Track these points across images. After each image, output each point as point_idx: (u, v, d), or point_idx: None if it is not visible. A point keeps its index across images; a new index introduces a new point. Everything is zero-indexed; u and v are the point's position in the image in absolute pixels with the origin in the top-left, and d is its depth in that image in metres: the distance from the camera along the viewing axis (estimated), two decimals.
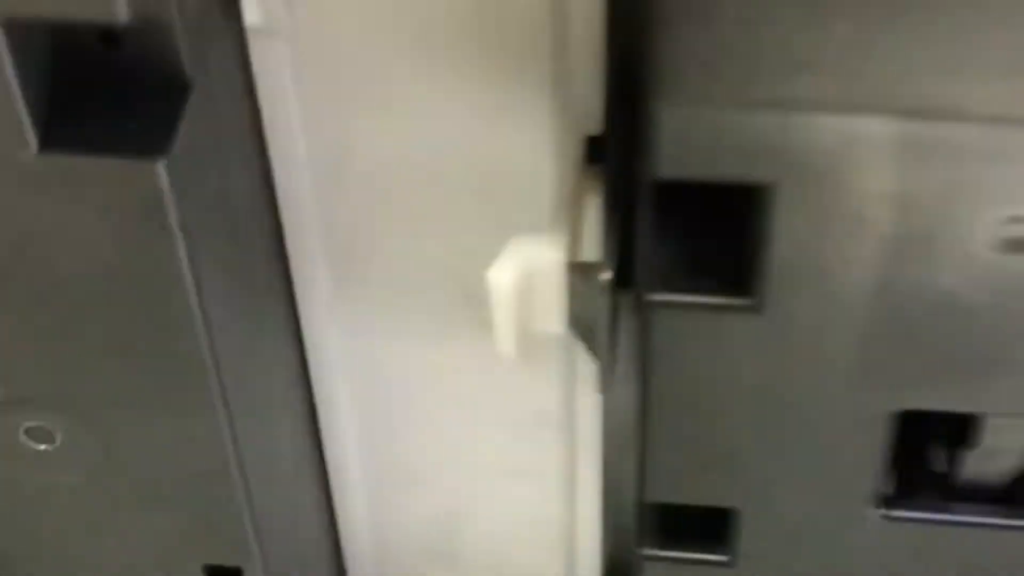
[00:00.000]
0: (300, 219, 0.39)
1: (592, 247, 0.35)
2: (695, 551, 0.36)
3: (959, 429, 0.34)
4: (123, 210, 0.31)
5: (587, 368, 0.43)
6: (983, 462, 0.34)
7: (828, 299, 0.29)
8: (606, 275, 0.33)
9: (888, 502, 0.33)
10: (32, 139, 0.30)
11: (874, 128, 0.26)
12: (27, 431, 0.37)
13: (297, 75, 0.36)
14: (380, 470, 0.46)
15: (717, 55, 0.24)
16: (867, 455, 0.32)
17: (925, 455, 0.34)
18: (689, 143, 0.26)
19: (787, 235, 0.28)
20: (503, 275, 0.34)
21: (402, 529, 0.48)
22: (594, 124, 0.36)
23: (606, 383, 0.35)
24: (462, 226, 0.39)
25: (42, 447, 0.37)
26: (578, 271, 0.34)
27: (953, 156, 0.26)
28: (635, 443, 0.33)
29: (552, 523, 0.48)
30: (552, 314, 0.35)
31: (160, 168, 0.31)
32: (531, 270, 0.34)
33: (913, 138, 0.26)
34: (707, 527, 0.36)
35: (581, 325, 0.35)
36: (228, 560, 0.40)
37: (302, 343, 0.42)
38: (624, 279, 0.34)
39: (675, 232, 0.30)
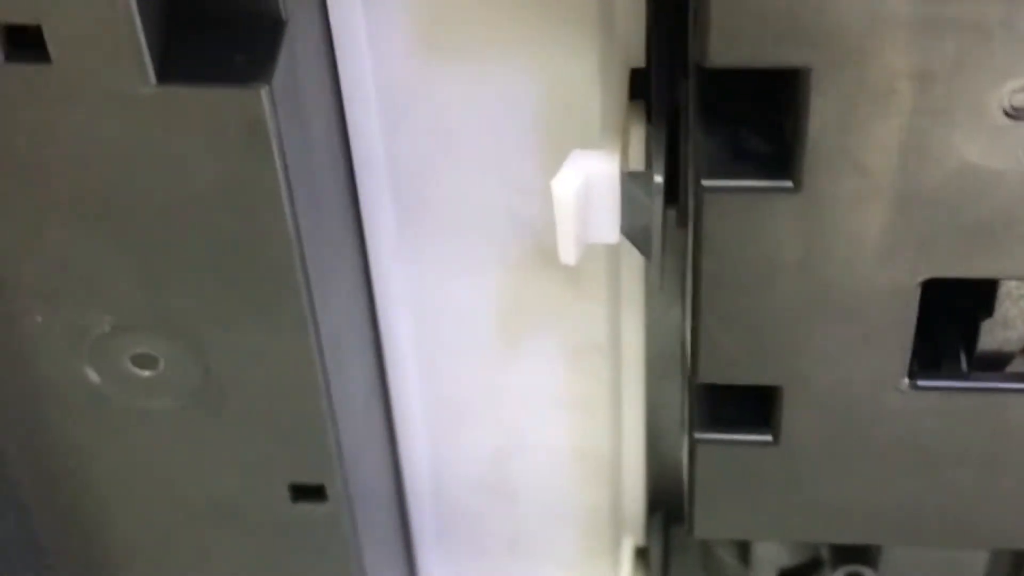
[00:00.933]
0: (368, 155, 0.42)
1: (639, 164, 0.39)
2: (743, 433, 0.39)
3: (978, 302, 0.38)
4: (229, 136, 0.35)
5: (632, 300, 0.47)
6: (1000, 331, 0.38)
7: (860, 176, 0.33)
8: (659, 178, 0.37)
9: (916, 373, 0.37)
10: (151, 73, 0.34)
11: (895, 7, 0.30)
12: (133, 358, 0.41)
13: (368, 16, 0.40)
14: (438, 403, 0.50)
15: None
16: (899, 327, 0.36)
17: (948, 328, 0.38)
18: (734, 31, 0.30)
19: (821, 117, 0.32)
20: (566, 184, 0.38)
21: (458, 461, 0.52)
22: (638, 58, 0.41)
23: (660, 280, 0.38)
24: (517, 161, 0.43)
25: (147, 373, 0.41)
26: (634, 178, 0.38)
27: (967, 31, 0.30)
28: (686, 328, 0.37)
29: (599, 452, 0.51)
30: (608, 222, 0.39)
31: (263, 94, 0.35)
32: (590, 180, 0.38)
33: (930, 15, 0.30)
34: (752, 412, 0.39)
35: (634, 230, 0.39)
36: (312, 478, 0.44)
37: (369, 275, 0.46)
38: (671, 193, 0.38)
39: (721, 125, 0.34)
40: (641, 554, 0.54)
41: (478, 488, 0.53)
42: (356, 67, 0.40)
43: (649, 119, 0.39)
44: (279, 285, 0.38)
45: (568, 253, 0.39)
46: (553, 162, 0.39)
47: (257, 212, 0.37)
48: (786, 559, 0.50)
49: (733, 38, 0.31)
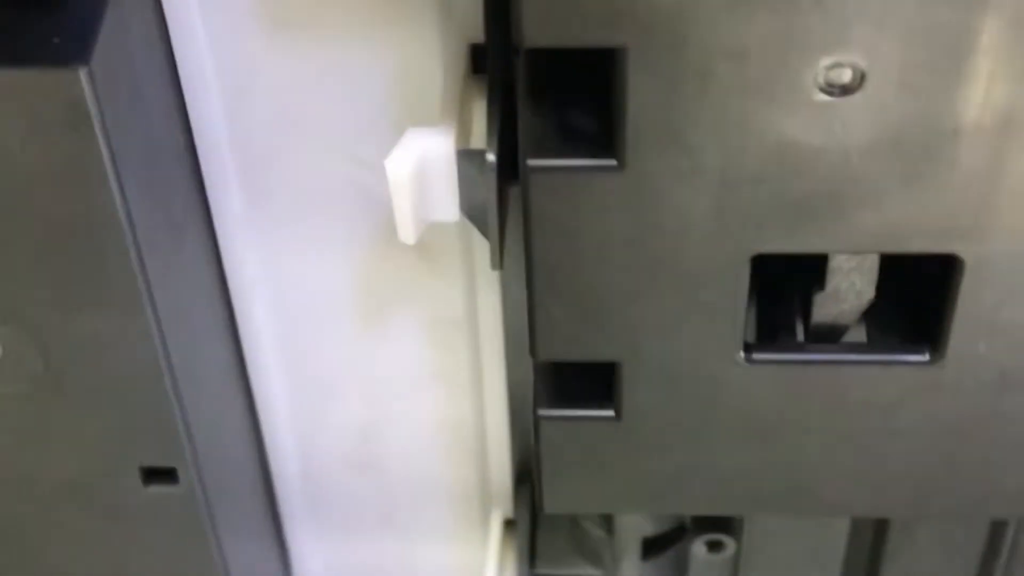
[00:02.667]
0: (211, 134, 0.42)
1: (479, 140, 0.39)
2: (586, 408, 0.39)
3: (811, 276, 0.38)
4: (50, 118, 0.35)
5: (488, 275, 0.47)
6: (833, 304, 0.38)
7: (683, 152, 0.33)
8: (491, 157, 0.37)
9: (751, 347, 0.37)
10: None
11: None
12: None
13: None
14: (299, 380, 0.49)
15: None
16: (730, 301, 0.36)
17: (785, 303, 0.39)
18: (548, 11, 0.30)
19: (640, 96, 0.32)
20: (400, 164, 0.37)
21: (324, 437, 0.51)
22: (477, 33, 0.40)
23: (498, 260, 0.38)
24: (364, 139, 0.42)
25: None
26: (467, 157, 0.38)
27: (778, 9, 0.30)
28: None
29: (464, 427, 0.51)
30: (447, 201, 0.39)
31: (82, 75, 0.34)
32: (426, 159, 0.38)
33: None
34: (596, 388, 0.39)
35: (473, 209, 0.38)
36: (162, 461, 0.43)
37: (220, 259, 0.45)
38: (513, 170, 0.38)
39: (551, 103, 0.34)
40: (510, 526, 0.54)
41: (346, 465, 0.53)
42: (192, 47, 0.40)
43: (488, 95, 0.38)
44: (112, 269, 0.38)
45: (407, 232, 0.39)
46: (396, 134, 0.39)
47: (85, 196, 0.36)
48: (649, 528, 0.51)
49: (548, 19, 0.31)
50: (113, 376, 0.41)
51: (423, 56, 0.40)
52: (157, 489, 0.44)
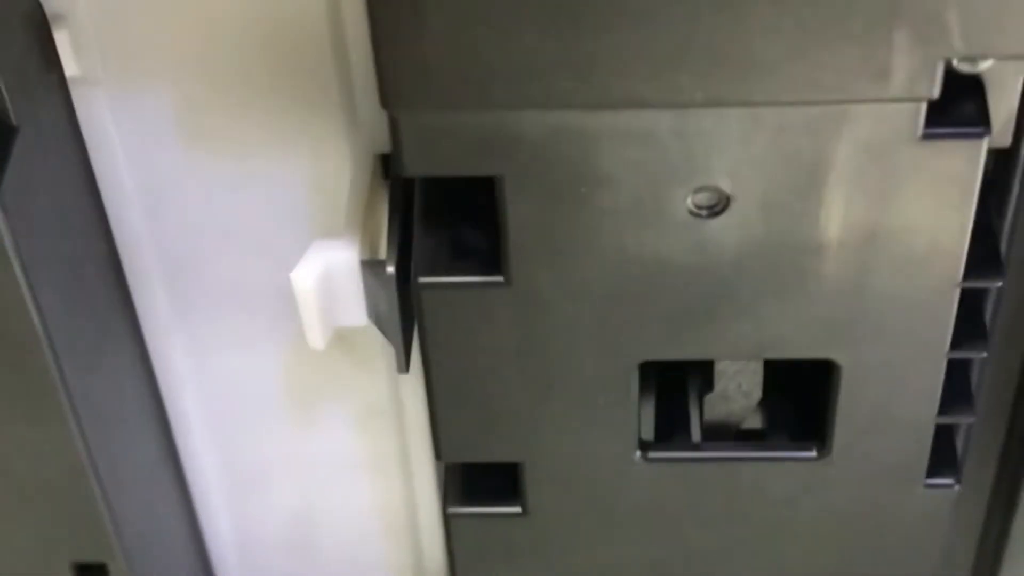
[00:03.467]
0: (134, 246, 0.43)
1: (385, 249, 0.41)
2: (493, 505, 0.41)
3: (700, 379, 0.39)
4: None
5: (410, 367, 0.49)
6: (723, 404, 0.39)
7: (564, 269, 0.34)
8: (390, 269, 0.38)
9: (647, 446, 0.39)
10: None
11: (570, 120, 0.31)
12: None
13: (117, 117, 0.41)
14: (234, 472, 0.51)
15: (428, 67, 0.30)
16: (622, 404, 0.38)
17: (681, 402, 0.40)
18: (423, 144, 0.32)
19: (519, 218, 0.33)
20: (305, 276, 0.39)
21: (260, 526, 0.53)
22: (385, 143, 0.42)
23: (403, 365, 0.40)
24: (281, 241, 0.44)
25: None
26: (369, 267, 0.39)
27: (640, 139, 0.32)
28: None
29: (396, 511, 0.53)
30: (354, 307, 0.40)
31: None
32: (331, 269, 0.39)
33: (605, 127, 0.32)
34: (503, 484, 0.41)
35: (379, 315, 0.40)
36: (93, 557, 0.45)
37: (148, 359, 0.47)
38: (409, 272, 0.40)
39: (446, 221, 0.36)
40: None
41: (282, 550, 0.54)
42: (110, 161, 0.41)
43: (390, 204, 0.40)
44: (33, 383, 0.39)
45: (315, 339, 0.40)
46: (312, 239, 0.41)
47: (4, 317, 0.38)
48: None
49: (424, 151, 0.32)
50: (40, 480, 0.42)
51: (333, 166, 0.42)
52: None
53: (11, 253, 0.36)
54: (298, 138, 0.41)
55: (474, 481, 0.41)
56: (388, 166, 0.42)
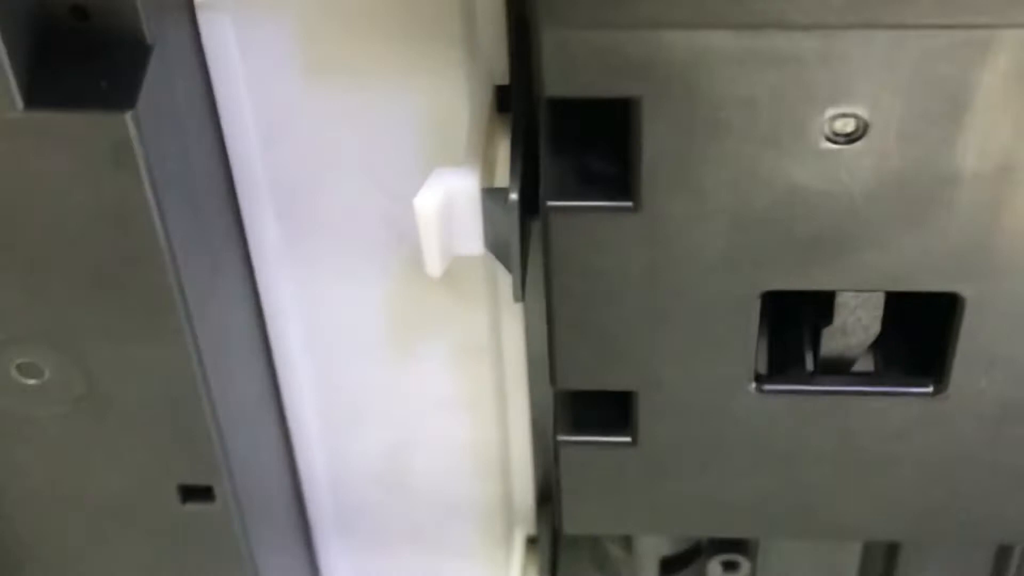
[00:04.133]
0: (249, 173, 0.44)
1: (505, 177, 0.41)
2: (604, 435, 0.41)
3: (819, 311, 0.40)
4: (97, 157, 0.37)
5: (511, 304, 0.49)
6: (840, 338, 0.39)
7: (696, 196, 0.35)
8: (513, 196, 0.38)
9: (762, 377, 0.39)
10: (17, 98, 0.36)
11: (716, 41, 0.32)
12: (18, 367, 0.42)
13: (240, 44, 0.41)
14: (331, 403, 0.51)
15: None
16: (741, 335, 0.38)
17: (796, 336, 0.40)
18: (567, 63, 0.32)
19: (654, 143, 0.34)
20: (427, 201, 0.39)
21: (354, 459, 0.53)
22: (502, 75, 0.42)
23: (520, 293, 0.40)
24: (395, 174, 0.44)
25: (32, 381, 0.42)
26: (491, 195, 0.39)
27: (783, 62, 0.32)
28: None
29: (489, 448, 0.53)
30: (472, 235, 0.41)
31: (128, 119, 0.36)
32: (451, 196, 0.40)
33: (749, 49, 0.32)
34: (613, 414, 0.41)
35: (497, 244, 0.40)
36: (200, 479, 0.45)
37: (256, 287, 0.47)
38: (532, 206, 0.40)
39: (571, 146, 0.36)
40: (533, 543, 0.56)
41: (375, 484, 0.55)
42: (232, 89, 0.42)
43: (512, 134, 0.40)
44: (155, 299, 0.40)
45: (433, 265, 0.40)
46: (426, 171, 0.41)
47: (130, 230, 0.38)
48: (667, 548, 0.52)
49: (566, 71, 0.32)
50: (153, 400, 0.43)
51: (451, 97, 0.42)
52: (194, 506, 0.46)
53: (143, 170, 0.37)
54: (417, 70, 0.41)
55: (584, 410, 0.41)
56: (504, 100, 0.42)
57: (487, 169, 0.41)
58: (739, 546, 0.51)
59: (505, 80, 0.42)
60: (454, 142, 0.43)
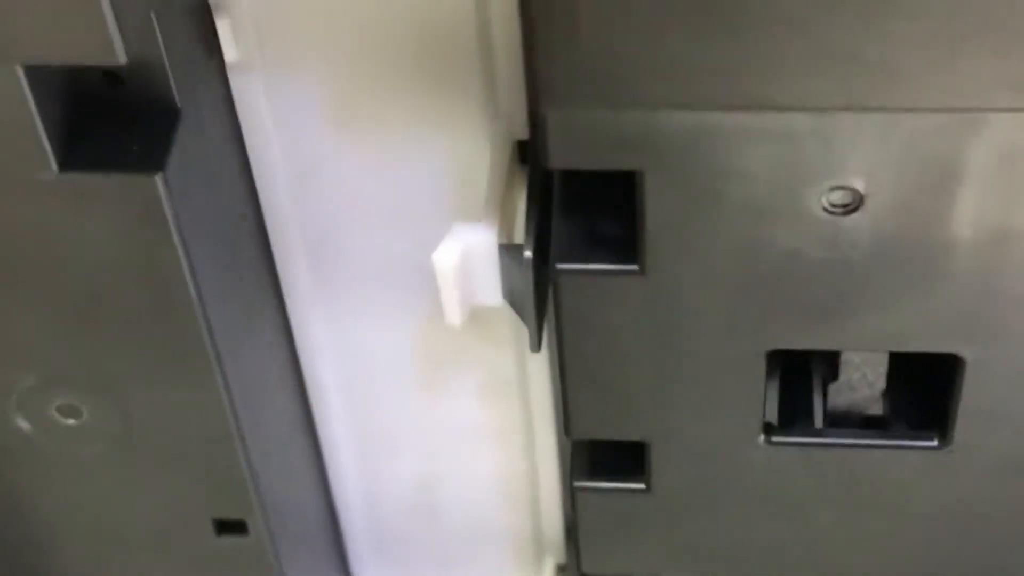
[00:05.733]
0: (280, 220, 0.46)
1: (521, 232, 0.42)
2: (618, 481, 0.42)
3: (825, 368, 0.41)
4: (130, 218, 0.38)
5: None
6: (847, 393, 0.40)
7: (699, 261, 0.36)
8: (528, 253, 0.40)
9: (771, 430, 0.40)
10: (52, 161, 0.37)
11: (711, 120, 0.33)
12: (57, 408, 0.44)
13: (271, 102, 0.43)
14: (364, 438, 0.53)
15: (579, 68, 0.31)
16: (749, 389, 0.39)
17: (806, 388, 0.41)
18: (568, 139, 0.33)
19: (656, 211, 0.35)
20: (445, 257, 0.41)
21: (388, 490, 0.55)
22: (522, 130, 0.44)
23: (536, 344, 0.41)
24: (419, 222, 0.46)
25: (70, 421, 0.44)
26: (507, 250, 0.41)
27: (778, 139, 0.33)
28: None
29: (518, 479, 0.55)
30: (490, 288, 0.42)
31: (158, 180, 0.38)
32: (469, 251, 0.41)
33: (744, 126, 0.33)
34: (627, 461, 0.42)
35: (514, 296, 0.42)
36: (233, 514, 0.47)
37: (289, 329, 0.49)
38: (547, 260, 0.41)
39: (584, 211, 0.37)
40: (562, 571, 0.58)
41: (408, 513, 0.56)
42: (262, 142, 0.43)
43: (529, 191, 0.42)
44: (187, 345, 0.41)
45: (453, 316, 0.42)
46: (448, 221, 0.42)
47: (161, 282, 0.40)
48: None
49: (568, 145, 0.34)
50: (187, 439, 0.44)
51: (472, 151, 0.43)
52: (229, 539, 0.48)
53: (172, 228, 0.38)
54: (441, 126, 0.43)
55: (600, 457, 0.43)
56: (525, 152, 0.44)
57: (506, 223, 0.42)
58: None
59: (526, 135, 0.43)
60: (477, 192, 0.44)
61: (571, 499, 0.43)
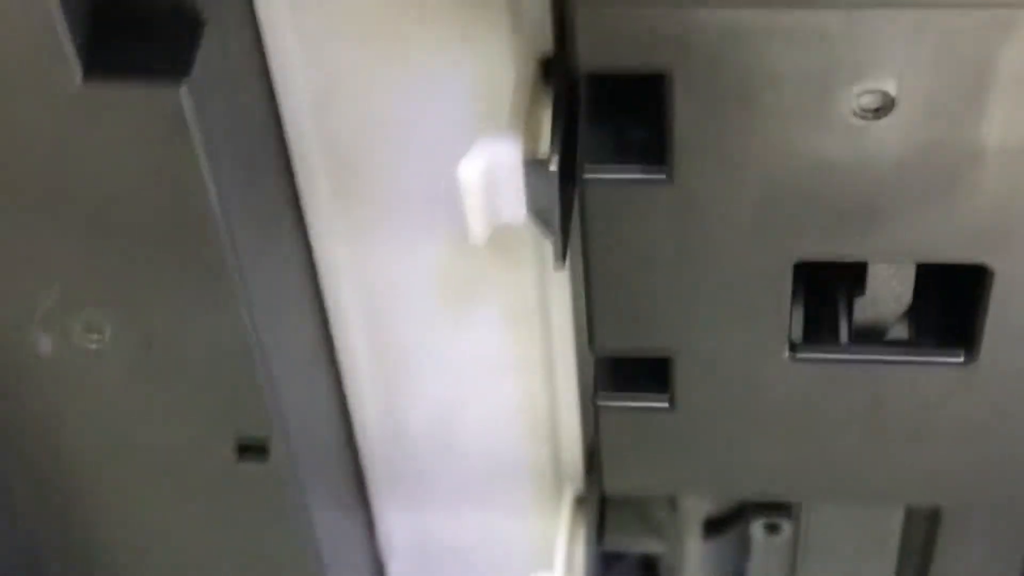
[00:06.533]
0: (302, 137, 0.45)
1: (547, 147, 0.42)
2: (642, 399, 0.42)
3: (851, 281, 0.40)
4: (153, 127, 0.38)
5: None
6: (873, 308, 0.40)
7: (727, 168, 0.36)
8: (553, 167, 0.39)
9: (796, 345, 0.40)
10: (76, 72, 0.37)
11: (742, 19, 0.32)
12: (80, 325, 0.44)
13: (294, 12, 0.42)
14: (384, 362, 0.53)
15: None
16: (775, 302, 0.39)
17: (831, 304, 0.41)
18: (600, 39, 0.33)
19: (685, 116, 0.35)
20: (471, 170, 0.40)
21: (407, 416, 0.55)
22: (547, 47, 0.43)
23: (561, 260, 0.41)
24: (443, 140, 0.45)
25: (93, 340, 0.44)
26: (532, 164, 0.41)
27: (809, 39, 0.33)
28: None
29: (537, 409, 0.55)
30: (515, 204, 0.42)
31: (182, 90, 0.37)
32: (494, 165, 0.41)
33: (775, 26, 0.32)
34: (651, 378, 0.42)
35: (539, 212, 0.41)
36: (255, 433, 0.47)
37: (310, 248, 0.49)
38: (573, 175, 0.41)
39: (609, 117, 0.37)
40: (581, 502, 0.57)
41: (427, 442, 0.56)
42: (285, 57, 0.43)
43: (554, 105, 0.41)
44: (208, 260, 0.41)
45: (477, 233, 0.42)
46: (472, 138, 0.42)
47: (185, 198, 0.40)
48: (710, 509, 0.53)
49: (599, 46, 0.34)
50: (208, 356, 0.44)
51: (497, 68, 0.43)
52: (250, 465, 0.48)
53: (196, 141, 0.38)
54: (464, 41, 0.43)
55: (623, 374, 0.43)
56: (548, 70, 0.43)
57: (530, 138, 0.42)
58: (781, 509, 0.52)
59: (550, 52, 0.43)
60: (501, 111, 0.44)
61: (594, 417, 0.43)
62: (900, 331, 0.42)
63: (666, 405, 0.42)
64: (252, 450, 0.47)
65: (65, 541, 0.52)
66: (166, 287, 0.42)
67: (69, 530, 0.51)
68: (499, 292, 0.50)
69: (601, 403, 0.42)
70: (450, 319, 0.51)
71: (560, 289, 0.50)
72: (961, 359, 0.40)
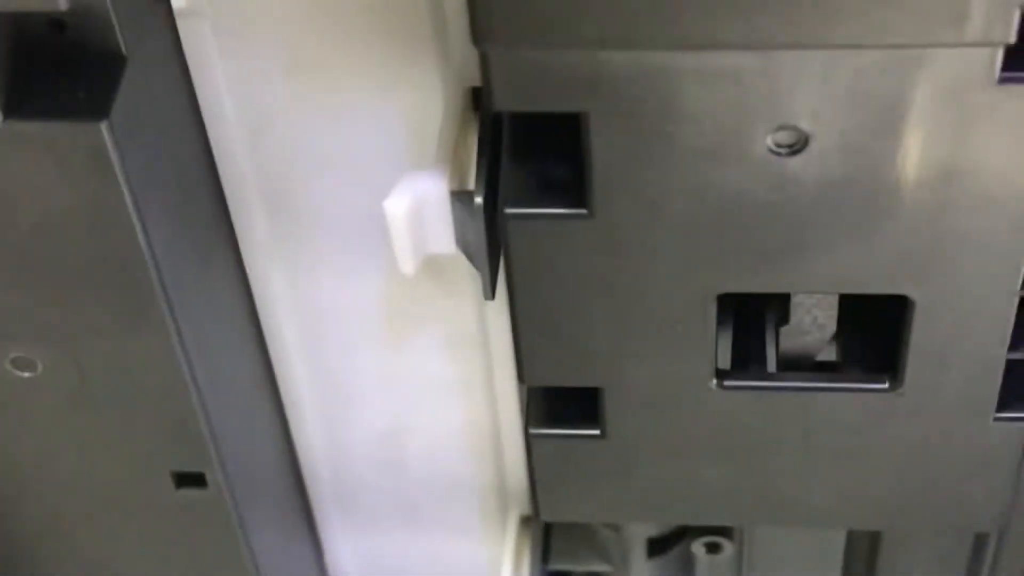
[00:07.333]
0: (235, 170, 0.45)
1: (474, 179, 0.42)
2: (573, 428, 0.42)
3: (777, 312, 0.41)
4: (76, 164, 0.38)
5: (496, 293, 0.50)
6: (798, 336, 0.41)
7: (647, 204, 0.36)
8: (478, 200, 0.39)
9: (723, 374, 0.40)
10: None
11: (655, 60, 0.32)
12: (12, 361, 0.44)
13: (221, 49, 0.42)
14: (327, 391, 0.53)
15: (519, 5, 0.31)
16: (700, 333, 0.39)
17: (758, 332, 0.41)
18: (512, 80, 0.33)
19: (603, 153, 0.35)
20: (396, 205, 0.41)
21: (352, 442, 0.55)
22: (476, 75, 0.43)
23: (489, 291, 0.41)
24: (375, 171, 0.45)
25: (26, 375, 0.44)
26: (459, 197, 0.41)
27: (722, 79, 0.33)
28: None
29: (481, 430, 0.55)
30: (443, 236, 0.42)
31: (103, 128, 0.37)
32: (421, 199, 0.41)
33: (688, 67, 0.33)
34: (583, 407, 0.42)
35: (467, 244, 0.42)
36: (191, 466, 0.47)
37: (247, 281, 0.49)
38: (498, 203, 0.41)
39: (533, 155, 0.37)
40: (526, 523, 0.58)
41: (372, 466, 0.56)
42: (213, 91, 0.43)
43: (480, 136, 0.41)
44: (138, 295, 0.41)
45: (406, 264, 0.42)
46: (402, 168, 0.42)
47: (111, 231, 0.40)
48: (653, 530, 0.53)
49: (512, 88, 0.34)
50: (143, 390, 0.44)
51: (426, 97, 0.43)
52: (188, 492, 0.48)
53: (120, 177, 0.38)
54: (393, 73, 0.43)
55: (555, 404, 0.43)
56: (478, 99, 0.44)
57: (458, 170, 0.42)
58: (722, 530, 0.53)
59: (479, 81, 0.43)
60: (432, 139, 0.44)
61: (527, 447, 0.43)
62: (830, 352, 0.42)
63: (598, 433, 0.42)
64: (190, 479, 0.47)
65: (5, 569, 0.52)
66: (97, 322, 0.42)
67: (9, 557, 0.51)
68: (439, 318, 0.50)
69: (533, 432, 0.42)
70: (391, 346, 0.51)
71: (500, 314, 0.50)
72: (886, 385, 0.40)
